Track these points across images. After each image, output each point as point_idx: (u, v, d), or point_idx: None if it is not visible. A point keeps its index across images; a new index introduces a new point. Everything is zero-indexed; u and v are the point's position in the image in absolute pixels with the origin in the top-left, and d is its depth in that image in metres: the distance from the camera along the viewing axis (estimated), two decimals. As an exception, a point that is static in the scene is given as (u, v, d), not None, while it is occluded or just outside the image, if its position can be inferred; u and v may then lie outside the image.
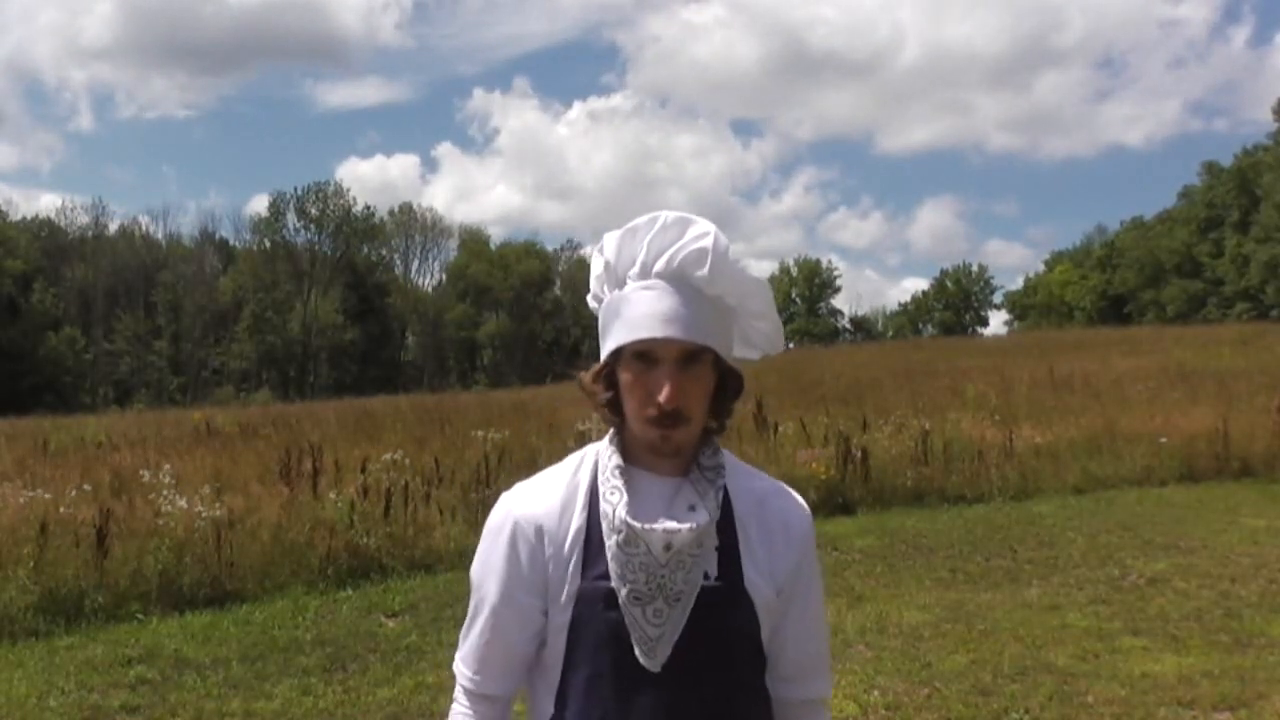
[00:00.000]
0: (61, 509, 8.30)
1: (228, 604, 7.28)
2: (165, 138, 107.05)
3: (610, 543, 1.40)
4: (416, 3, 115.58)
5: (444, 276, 78.66)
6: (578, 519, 1.44)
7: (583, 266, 79.45)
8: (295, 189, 72.38)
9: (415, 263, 79.17)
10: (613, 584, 1.39)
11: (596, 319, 1.48)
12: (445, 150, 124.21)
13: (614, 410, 1.46)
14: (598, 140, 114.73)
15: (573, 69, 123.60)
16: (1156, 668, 5.28)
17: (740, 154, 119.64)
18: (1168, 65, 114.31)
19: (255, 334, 67.32)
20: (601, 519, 1.42)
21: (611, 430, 1.48)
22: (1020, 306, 78.75)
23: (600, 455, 1.48)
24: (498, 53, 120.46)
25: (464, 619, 1.54)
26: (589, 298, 1.51)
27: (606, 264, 1.46)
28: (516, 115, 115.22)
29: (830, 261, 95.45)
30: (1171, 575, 7.25)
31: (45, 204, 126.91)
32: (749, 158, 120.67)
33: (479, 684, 1.51)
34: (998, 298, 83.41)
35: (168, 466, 9.89)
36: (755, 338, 1.50)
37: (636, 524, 1.38)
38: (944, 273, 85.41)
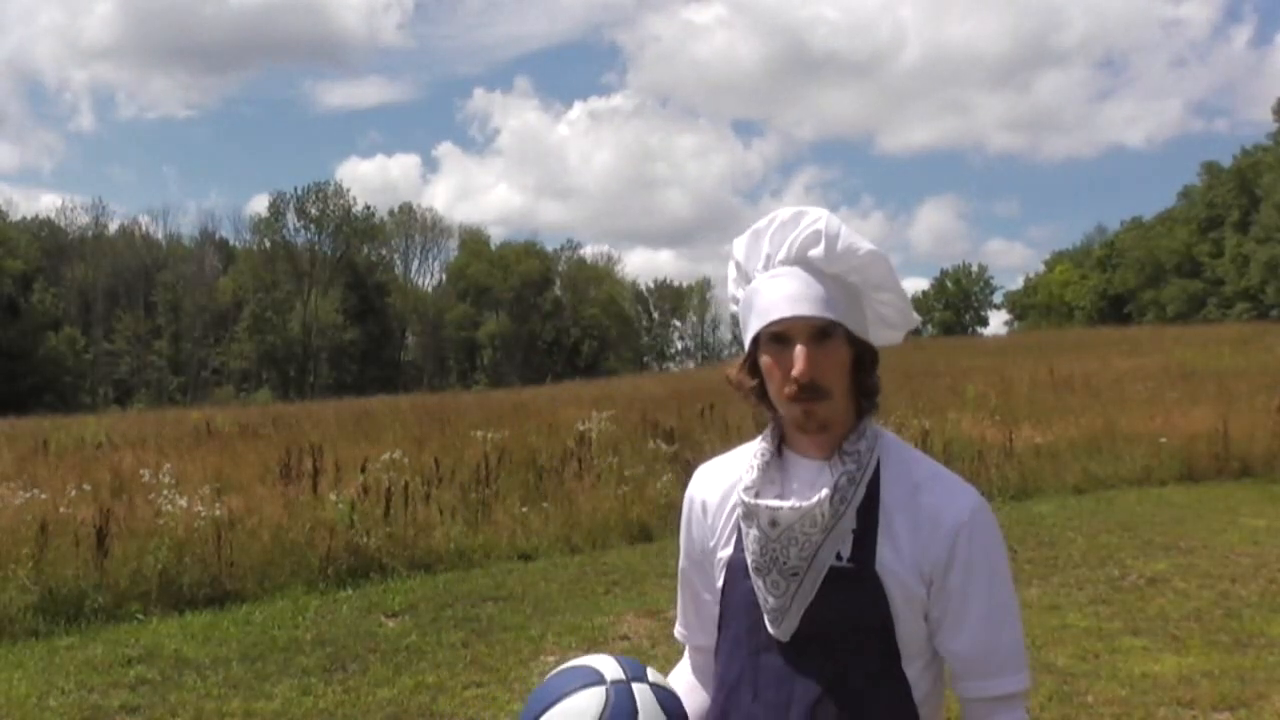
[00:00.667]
0: (61, 509, 8.30)
1: (228, 604, 7.28)
2: (166, 138, 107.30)
3: (737, 517, 1.55)
4: (417, 3, 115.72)
5: (444, 276, 78.75)
6: (734, 496, 1.57)
7: (583, 266, 79.54)
8: (295, 189, 72.52)
9: (415, 263, 79.28)
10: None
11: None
12: (446, 150, 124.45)
13: (765, 401, 1.53)
14: (598, 140, 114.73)
15: (573, 69, 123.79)
16: (1156, 668, 5.28)
17: (741, 154, 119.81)
18: (1169, 65, 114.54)
19: (255, 334, 67.33)
20: None
21: (771, 421, 1.57)
22: (1020, 306, 78.79)
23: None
24: (498, 53, 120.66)
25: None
26: (730, 302, 1.59)
27: (737, 265, 1.55)
28: (517, 115, 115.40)
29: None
30: (1171, 575, 7.25)
31: (45, 204, 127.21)
32: (750, 158, 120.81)
33: (685, 636, 1.73)
34: (998, 298, 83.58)
35: (168, 466, 9.89)
36: (887, 312, 1.54)
37: (748, 500, 1.50)
38: (944, 272, 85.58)
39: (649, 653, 5.45)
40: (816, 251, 1.46)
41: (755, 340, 1.50)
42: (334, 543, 7.97)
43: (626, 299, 79.86)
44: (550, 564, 8.36)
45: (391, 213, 77.10)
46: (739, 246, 1.55)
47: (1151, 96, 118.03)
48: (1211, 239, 59.48)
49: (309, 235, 72.10)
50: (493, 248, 78.21)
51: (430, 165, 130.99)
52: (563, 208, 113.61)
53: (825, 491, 1.46)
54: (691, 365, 71.38)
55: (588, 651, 5.80)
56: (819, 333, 1.44)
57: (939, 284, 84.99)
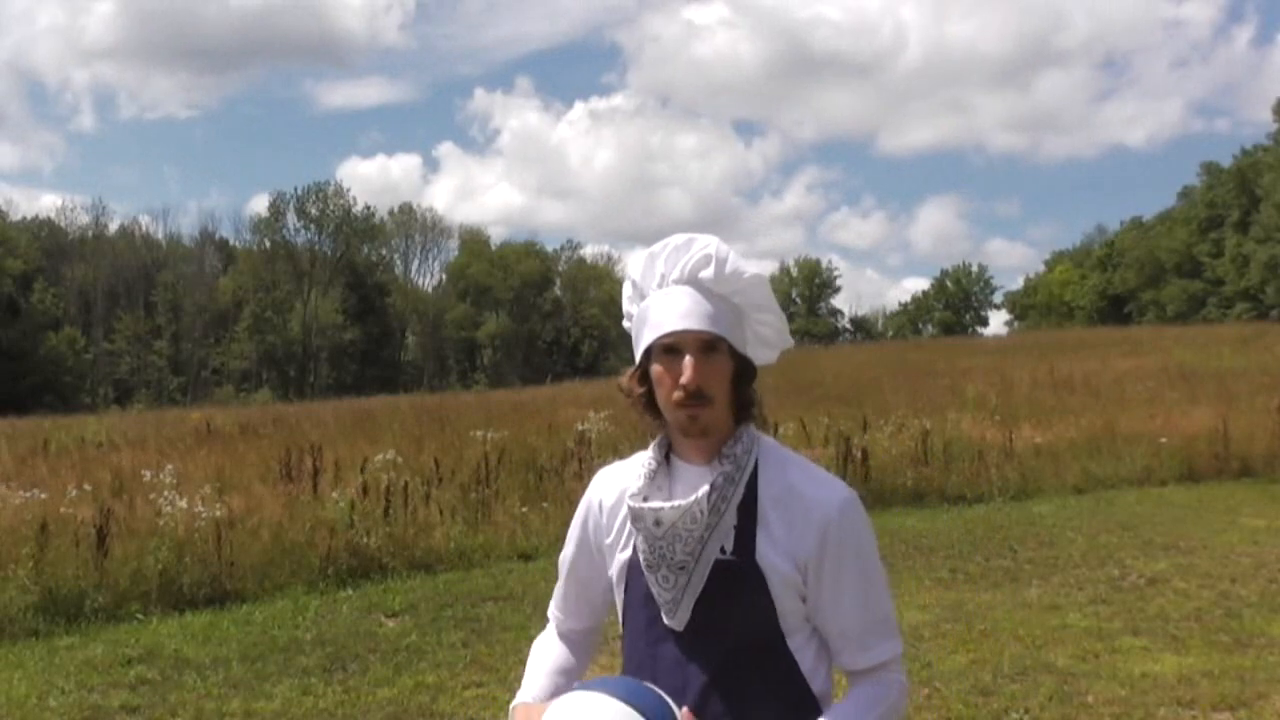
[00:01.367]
0: (62, 509, 8.31)
1: (228, 604, 7.29)
2: (167, 138, 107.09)
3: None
4: (418, 3, 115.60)
5: (444, 276, 78.72)
6: (626, 501, 1.70)
7: (583, 266, 79.56)
8: (295, 189, 72.44)
9: (415, 263, 79.26)
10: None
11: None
12: (447, 150, 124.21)
13: (651, 409, 1.67)
14: (599, 140, 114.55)
15: (574, 69, 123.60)
16: (1156, 668, 5.28)
17: (742, 154, 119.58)
18: (1170, 65, 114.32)
19: (255, 334, 67.31)
20: None
21: (659, 432, 1.70)
22: (1020, 306, 78.74)
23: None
24: (499, 53, 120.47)
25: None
26: (624, 320, 1.73)
27: (633, 283, 1.70)
28: (518, 115, 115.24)
29: (830, 261, 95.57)
30: (1171, 575, 7.26)
31: (46, 204, 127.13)
32: (751, 158, 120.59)
33: (560, 620, 1.89)
34: (998, 298, 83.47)
35: (170, 466, 9.89)
36: (766, 332, 1.69)
37: (633, 503, 1.64)
38: (944, 272, 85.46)
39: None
40: (706, 273, 1.61)
41: (647, 352, 1.64)
42: (334, 543, 7.98)
43: (627, 299, 79.81)
44: (550, 564, 8.31)
45: (391, 213, 77.17)
46: (634, 266, 1.71)
47: (1152, 96, 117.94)
48: (1211, 239, 59.47)
49: (309, 235, 72.15)
50: (493, 248, 78.20)
51: (431, 165, 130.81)
52: (563, 208, 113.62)
53: (703, 490, 1.60)
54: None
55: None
56: (706, 345, 1.59)
57: (939, 284, 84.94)
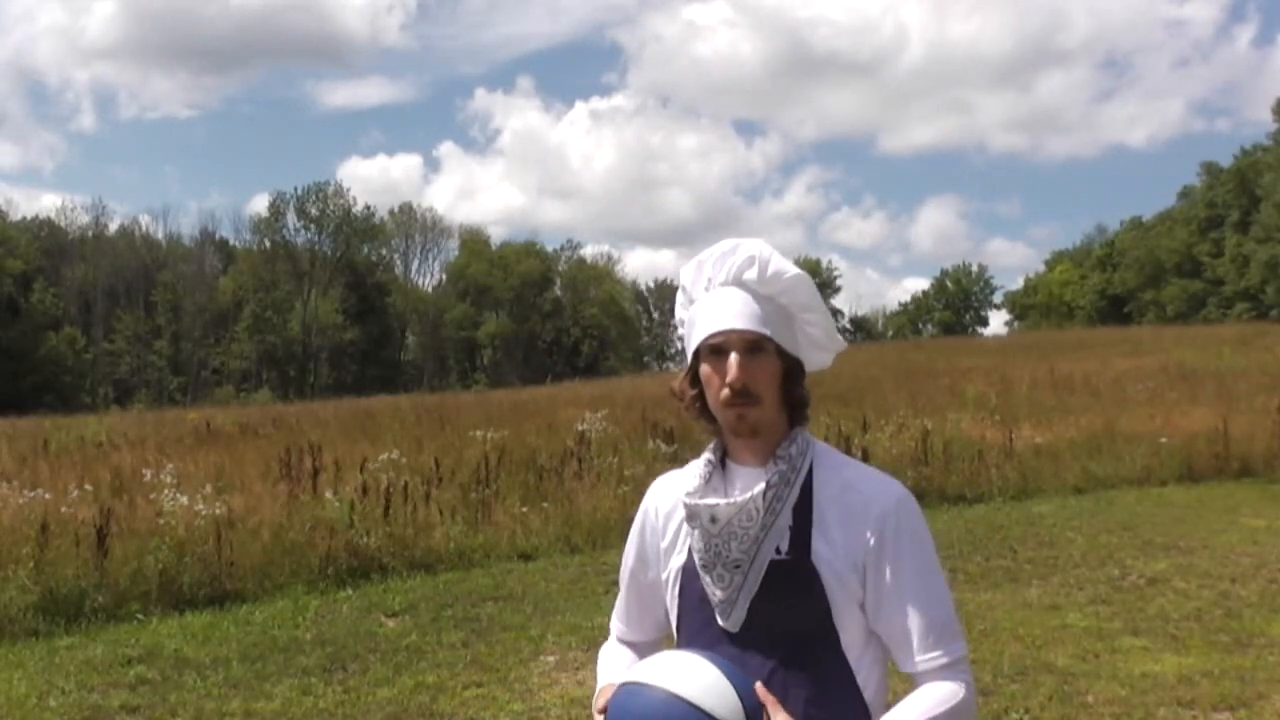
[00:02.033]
0: (62, 509, 8.31)
1: (228, 604, 7.29)
2: (167, 138, 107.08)
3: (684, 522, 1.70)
4: (419, 3, 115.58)
5: (444, 276, 78.68)
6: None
7: (583, 266, 79.52)
8: (295, 189, 72.42)
9: (415, 263, 79.22)
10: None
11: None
12: (447, 150, 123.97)
13: (705, 413, 1.69)
14: (600, 140, 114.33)
15: (575, 69, 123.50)
16: (1156, 668, 5.28)
17: (743, 154, 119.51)
18: (1171, 65, 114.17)
19: (255, 334, 67.29)
20: None
21: (715, 435, 1.72)
22: (1020, 306, 78.71)
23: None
24: (500, 53, 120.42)
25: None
26: (676, 323, 1.76)
27: (683, 289, 1.73)
28: (519, 115, 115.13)
29: (830, 261, 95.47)
30: (1171, 575, 7.26)
31: (46, 204, 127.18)
32: (751, 157, 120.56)
33: (622, 631, 1.89)
34: (998, 298, 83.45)
35: (170, 466, 9.90)
36: (814, 333, 1.70)
37: (688, 500, 1.66)
38: (944, 272, 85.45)
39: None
40: (751, 274, 1.64)
41: (697, 354, 1.66)
42: (334, 543, 7.98)
43: (627, 299, 79.84)
44: (550, 564, 8.36)
45: (391, 213, 77.12)
46: (685, 273, 1.73)
47: (1153, 96, 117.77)
48: (1211, 239, 59.43)
49: (309, 235, 72.13)
50: (493, 248, 78.17)
51: (431, 165, 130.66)
52: (564, 208, 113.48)
53: (759, 487, 1.61)
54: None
55: (588, 651, 5.81)
56: (752, 345, 1.61)
57: (939, 284, 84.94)
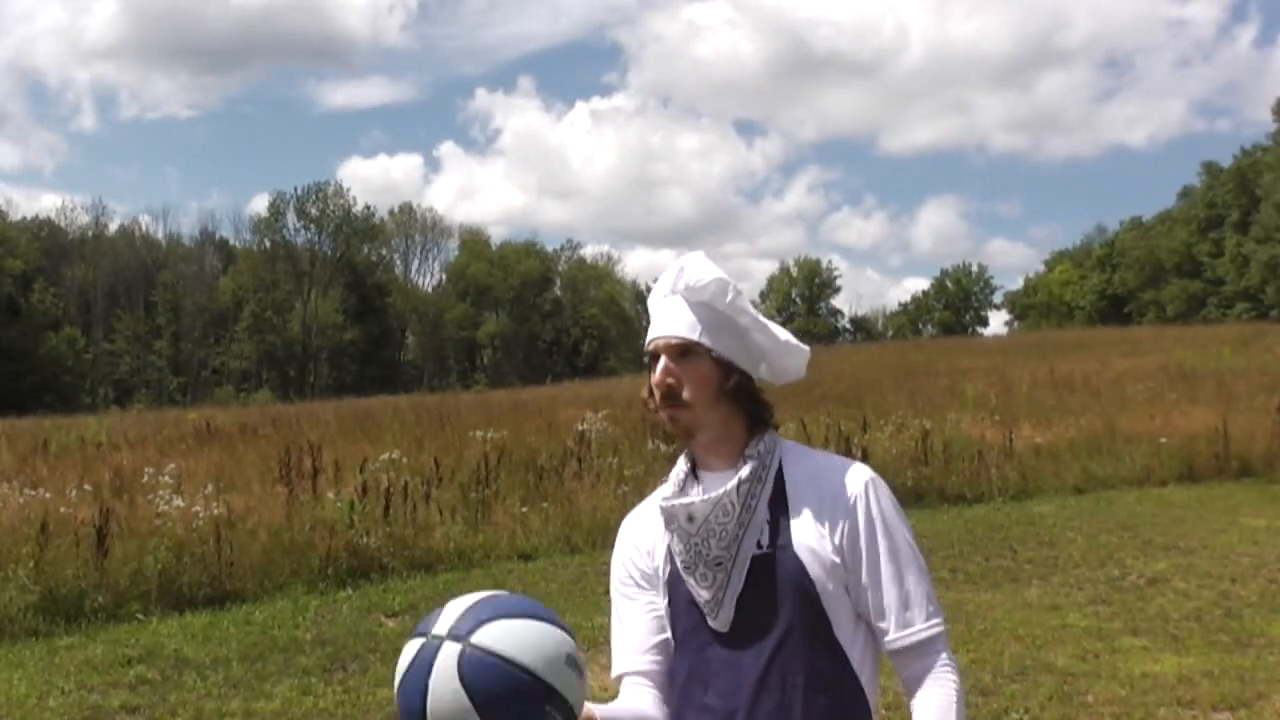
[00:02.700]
0: (62, 509, 8.31)
1: (228, 604, 7.29)
2: (168, 138, 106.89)
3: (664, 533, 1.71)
4: (420, 3, 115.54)
5: (444, 276, 78.64)
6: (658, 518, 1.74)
7: (583, 266, 79.52)
8: (295, 189, 72.42)
9: (415, 263, 79.18)
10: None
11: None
12: (448, 150, 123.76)
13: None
14: (600, 140, 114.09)
15: (575, 69, 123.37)
16: (1156, 668, 5.28)
17: (743, 154, 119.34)
18: (1172, 65, 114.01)
19: (255, 334, 67.28)
20: None
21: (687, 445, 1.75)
22: (1020, 306, 78.69)
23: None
24: (501, 53, 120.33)
25: None
26: None
27: (648, 305, 1.77)
28: (519, 115, 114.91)
29: (830, 261, 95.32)
30: (1171, 575, 7.26)
31: (46, 204, 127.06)
32: (752, 157, 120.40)
33: (626, 665, 1.77)
34: (998, 298, 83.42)
35: (170, 466, 9.90)
36: (759, 339, 1.70)
37: (665, 503, 1.68)
38: (944, 272, 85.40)
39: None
40: (680, 282, 1.69)
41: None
42: (334, 543, 7.98)
43: (627, 299, 79.76)
44: (550, 564, 8.36)
45: (391, 213, 77.10)
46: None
47: (1154, 97, 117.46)
48: (1211, 239, 59.45)
49: (309, 235, 72.12)
50: (493, 247, 78.15)
51: (432, 165, 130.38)
52: (564, 208, 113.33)
53: (732, 483, 1.63)
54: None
55: (588, 652, 5.81)
56: (680, 350, 1.65)
57: (939, 284, 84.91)
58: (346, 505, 8.51)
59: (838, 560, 1.62)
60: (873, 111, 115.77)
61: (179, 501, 8.24)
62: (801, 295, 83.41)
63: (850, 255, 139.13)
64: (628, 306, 79.05)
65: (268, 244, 71.71)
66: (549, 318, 75.41)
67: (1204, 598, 6.64)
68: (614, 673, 1.80)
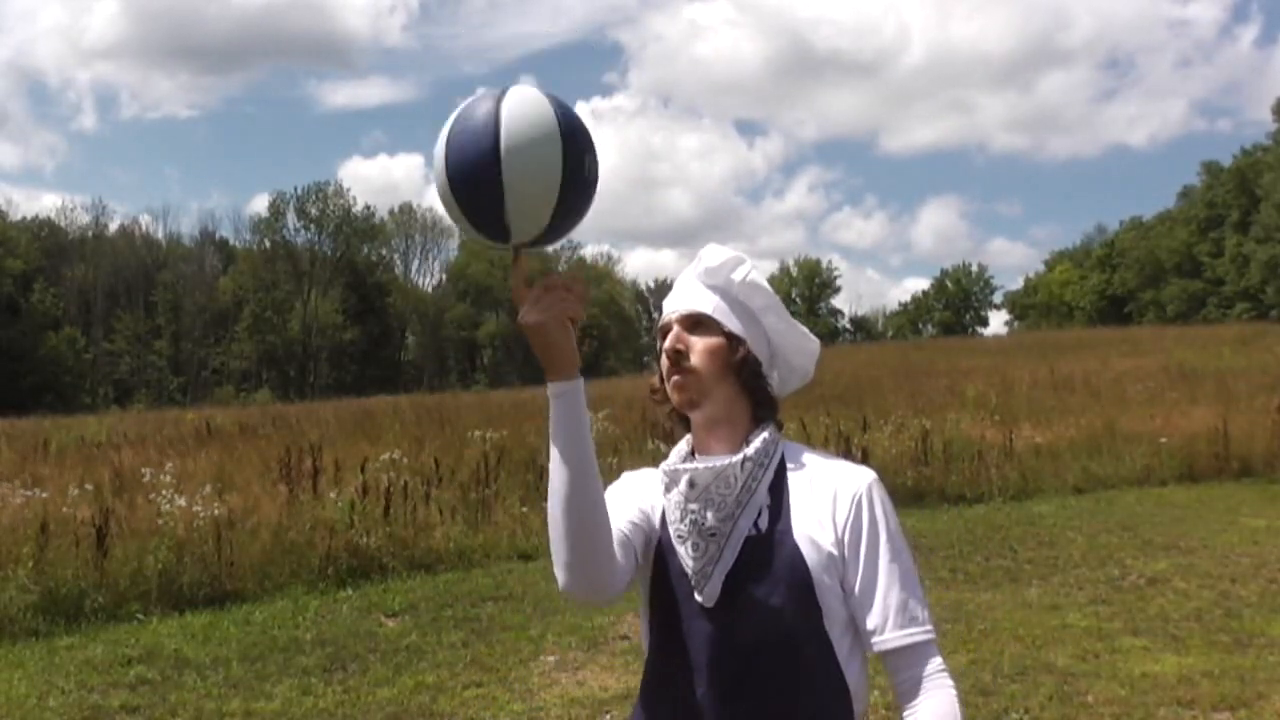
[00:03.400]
0: (62, 509, 8.31)
1: (228, 604, 7.29)
2: (168, 138, 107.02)
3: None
4: (421, 3, 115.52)
5: (444, 276, 78.68)
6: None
7: (583, 266, 79.48)
8: (295, 189, 72.44)
9: (415, 263, 79.19)
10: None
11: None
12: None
13: (678, 416, 1.75)
14: (601, 140, 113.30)
15: (576, 69, 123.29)
16: (1156, 668, 5.28)
17: (744, 154, 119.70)
18: (1173, 65, 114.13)
19: (255, 334, 67.28)
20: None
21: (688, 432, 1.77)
22: (1020, 306, 78.71)
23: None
24: (502, 53, 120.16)
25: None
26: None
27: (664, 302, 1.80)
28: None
29: (830, 261, 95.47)
30: (1171, 575, 7.26)
31: (46, 204, 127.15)
32: (753, 157, 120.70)
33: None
34: (998, 298, 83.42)
35: (170, 466, 9.90)
36: (771, 321, 1.74)
37: (668, 466, 1.70)
38: (944, 272, 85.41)
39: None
40: (695, 266, 1.76)
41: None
42: (334, 543, 7.98)
43: (627, 299, 79.86)
44: (550, 564, 8.31)
45: (391, 212, 77.12)
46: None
47: (1155, 96, 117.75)
48: (1211, 239, 59.45)
49: (309, 235, 72.11)
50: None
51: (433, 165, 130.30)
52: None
53: (738, 456, 1.64)
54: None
55: (587, 652, 5.82)
56: (691, 321, 1.70)
57: (939, 284, 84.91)
58: (346, 505, 8.51)
59: (836, 554, 1.62)
60: (873, 111, 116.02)
61: (179, 501, 8.24)
62: (802, 295, 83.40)
63: (850, 255, 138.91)
64: (628, 306, 79.13)
65: (268, 244, 71.70)
66: (549, 318, 75.34)
67: (1204, 598, 6.64)
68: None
